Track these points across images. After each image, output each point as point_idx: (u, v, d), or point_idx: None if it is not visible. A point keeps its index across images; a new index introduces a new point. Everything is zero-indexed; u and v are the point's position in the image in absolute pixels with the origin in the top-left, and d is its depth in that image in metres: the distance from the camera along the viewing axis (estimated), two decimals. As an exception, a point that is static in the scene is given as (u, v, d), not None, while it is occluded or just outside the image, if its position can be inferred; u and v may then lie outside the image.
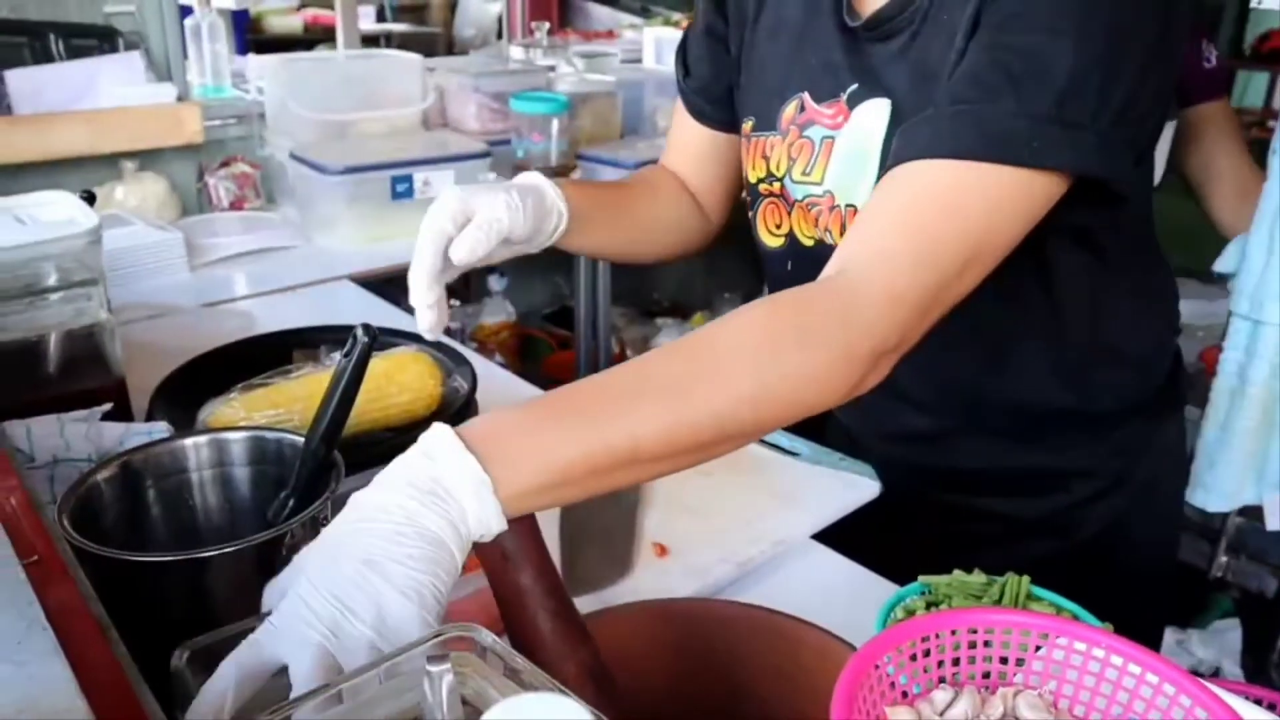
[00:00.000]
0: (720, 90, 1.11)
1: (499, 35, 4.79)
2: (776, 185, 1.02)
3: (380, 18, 6.88)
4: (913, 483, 1.11)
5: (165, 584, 0.70)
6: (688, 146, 1.17)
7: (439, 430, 0.63)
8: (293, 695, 0.53)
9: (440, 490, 0.60)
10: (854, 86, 0.92)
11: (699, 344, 0.70)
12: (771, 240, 1.06)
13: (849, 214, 0.93)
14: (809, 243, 1.01)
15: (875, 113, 0.90)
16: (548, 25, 2.93)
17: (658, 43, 2.94)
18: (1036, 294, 0.96)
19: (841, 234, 0.94)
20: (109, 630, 0.58)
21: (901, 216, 0.75)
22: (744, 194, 1.10)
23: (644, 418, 0.66)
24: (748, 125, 1.06)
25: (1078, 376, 1.02)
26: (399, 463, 0.62)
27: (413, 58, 2.37)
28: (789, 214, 1.02)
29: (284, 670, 0.57)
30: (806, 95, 0.97)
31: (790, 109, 0.99)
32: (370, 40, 5.56)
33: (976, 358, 1.00)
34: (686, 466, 0.70)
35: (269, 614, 0.59)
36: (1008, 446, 1.06)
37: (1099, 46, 0.74)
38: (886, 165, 0.80)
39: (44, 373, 1.01)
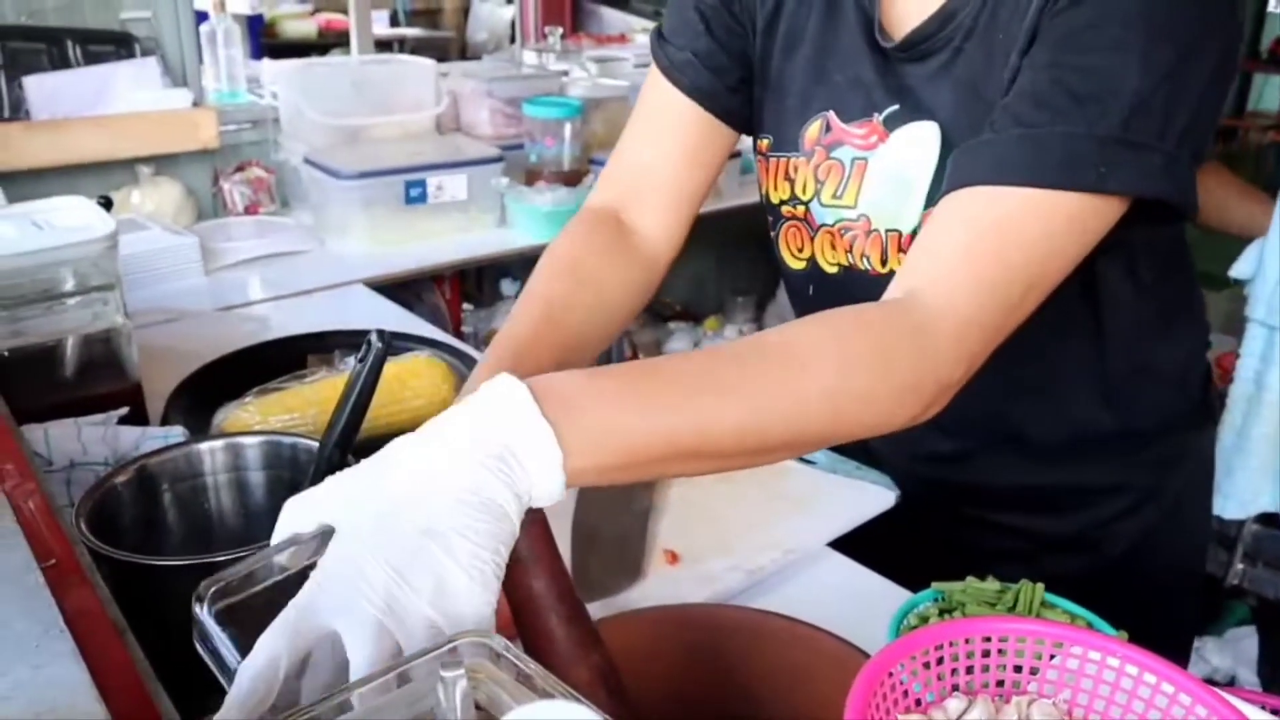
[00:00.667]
0: (731, 67, 0.98)
1: (511, 39, 4.80)
2: (801, 209, 0.98)
3: (394, 22, 6.91)
4: (932, 496, 1.09)
5: (180, 587, 0.70)
6: (676, 136, 0.99)
7: (511, 387, 0.58)
8: (352, 679, 0.49)
9: (511, 459, 0.56)
10: (893, 108, 0.89)
11: (777, 348, 0.69)
12: (794, 263, 1.02)
13: (891, 239, 0.90)
14: (832, 269, 0.97)
15: (921, 136, 0.87)
16: (561, 30, 2.93)
17: (671, 47, 2.94)
18: (1079, 313, 0.94)
19: (882, 260, 0.91)
20: (125, 633, 0.59)
21: (968, 246, 0.73)
22: (765, 213, 1.04)
23: (719, 413, 0.64)
24: (764, 143, 1.01)
25: (1117, 396, 0.99)
26: (464, 418, 0.57)
27: (426, 63, 2.38)
28: (812, 239, 0.98)
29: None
30: (832, 114, 0.93)
31: (814, 129, 0.95)
32: (383, 45, 5.59)
33: (1013, 380, 0.94)
34: (740, 468, 0.70)
35: (308, 564, 0.54)
36: (1034, 466, 1.03)
37: (1166, 65, 0.72)
38: (944, 188, 0.77)
39: (61, 377, 1.02)
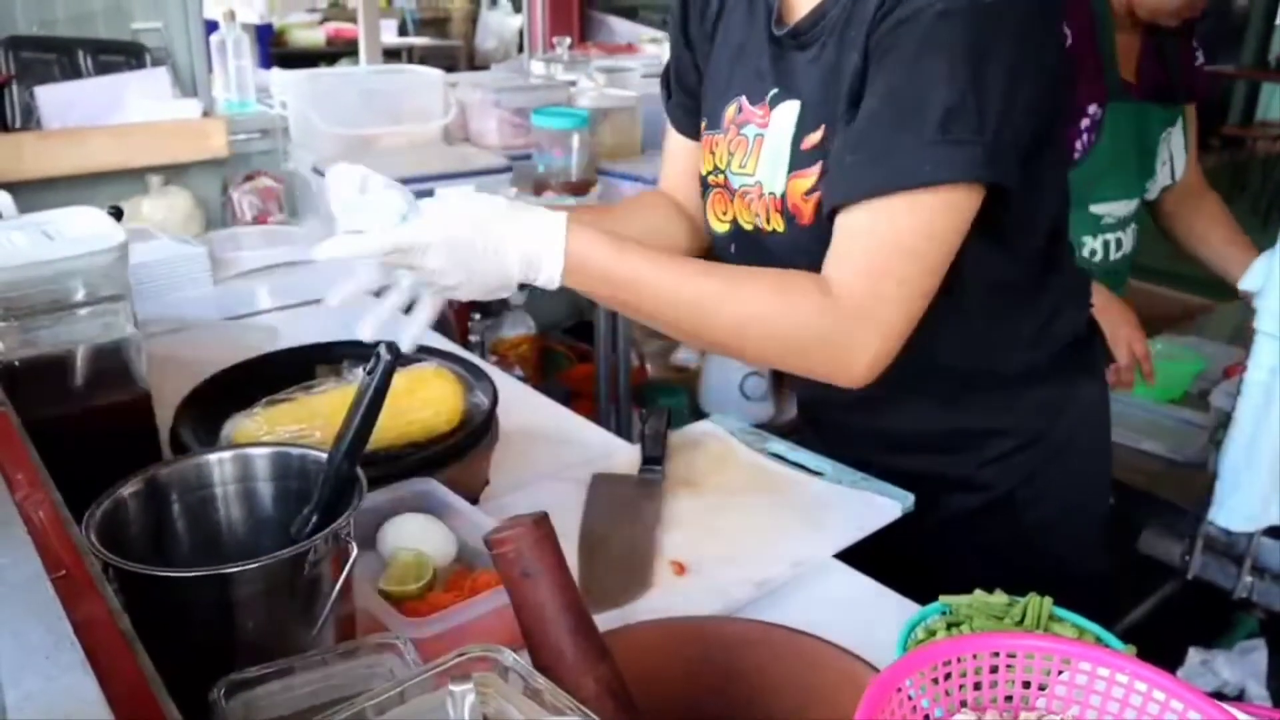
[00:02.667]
0: (697, 106, 1.21)
1: (519, 49, 4.81)
2: (721, 177, 1.13)
3: (402, 31, 6.94)
4: (844, 440, 1.24)
5: (189, 598, 0.71)
6: (678, 163, 1.28)
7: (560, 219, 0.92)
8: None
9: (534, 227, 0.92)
10: (775, 90, 1.05)
11: (731, 299, 0.93)
12: (719, 225, 1.16)
13: (771, 200, 1.06)
14: (749, 227, 1.11)
15: (788, 113, 1.03)
16: (569, 40, 2.94)
17: (678, 57, 2.94)
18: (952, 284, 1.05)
19: (769, 220, 1.07)
20: (135, 644, 0.59)
21: (865, 261, 0.92)
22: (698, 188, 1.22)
23: (675, 301, 0.94)
24: (703, 124, 1.17)
25: (990, 350, 1.12)
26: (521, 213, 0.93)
27: (434, 73, 2.39)
28: (732, 202, 1.13)
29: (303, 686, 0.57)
30: (744, 98, 1.09)
31: (731, 109, 1.11)
32: (392, 54, 5.61)
33: (936, 329, 1.06)
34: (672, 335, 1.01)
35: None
36: (931, 411, 1.16)
37: (965, 77, 0.87)
38: (827, 206, 0.95)
39: (71, 387, 1.02)
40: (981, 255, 1.01)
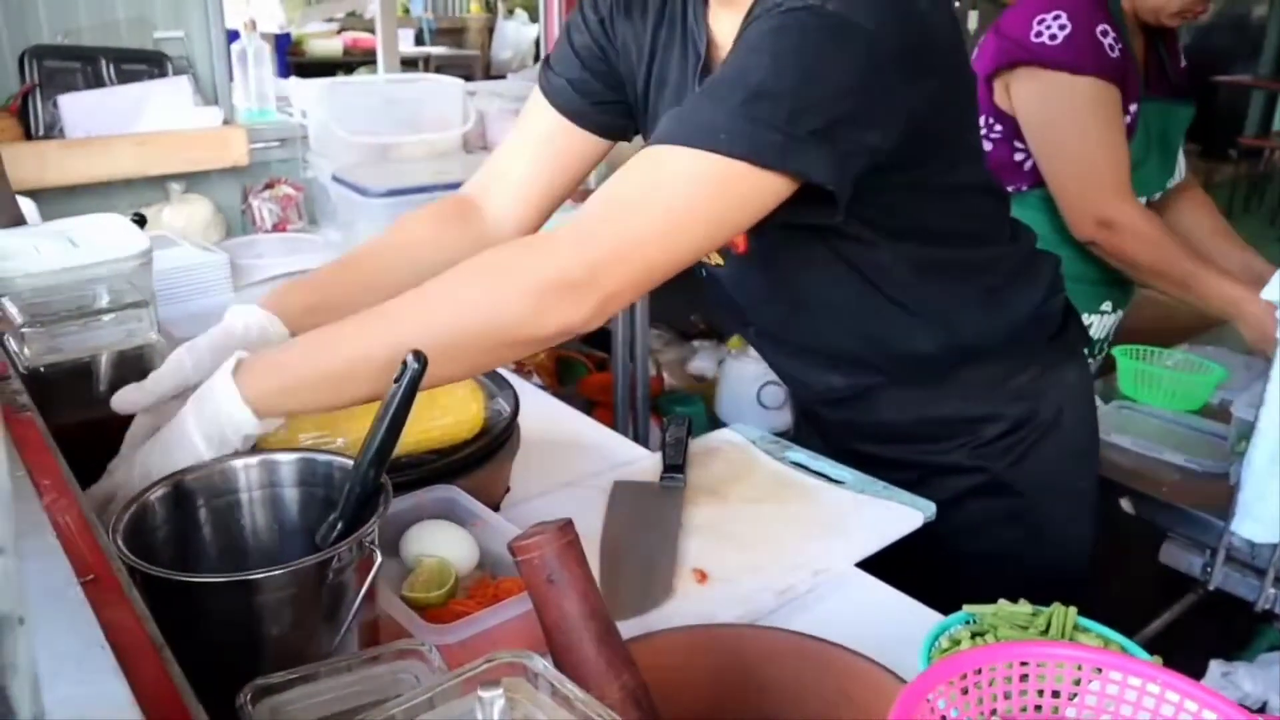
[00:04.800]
0: (601, 90, 1.20)
1: (535, 58, 4.83)
2: None
3: (419, 41, 6.98)
4: (838, 434, 1.28)
5: (215, 603, 0.71)
6: (533, 136, 1.23)
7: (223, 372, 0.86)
8: None
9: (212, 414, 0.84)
10: None
11: (412, 293, 0.87)
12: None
13: None
14: (710, 262, 1.19)
15: None
16: (586, 49, 2.95)
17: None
18: (911, 279, 1.11)
19: (711, 255, 1.13)
20: (163, 649, 0.59)
21: (607, 188, 0.90)
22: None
23: (365, 340, 0.85)
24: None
25: (942, 329, 1.15)
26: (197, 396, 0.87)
27: (454, 82, 2.40)
28: None
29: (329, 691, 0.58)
30: None
31: None
32: (409, 63, 5.64)
33: (884, 322, 1.14)
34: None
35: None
36: (920, 398, 1.19)
37: (790, 79, 0.87)
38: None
39: (95, 393, 1.02)
40: (892, 246, 1.08)
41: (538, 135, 1.23)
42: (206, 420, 0.84)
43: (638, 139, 1.22)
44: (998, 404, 1.20)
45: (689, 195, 0.88)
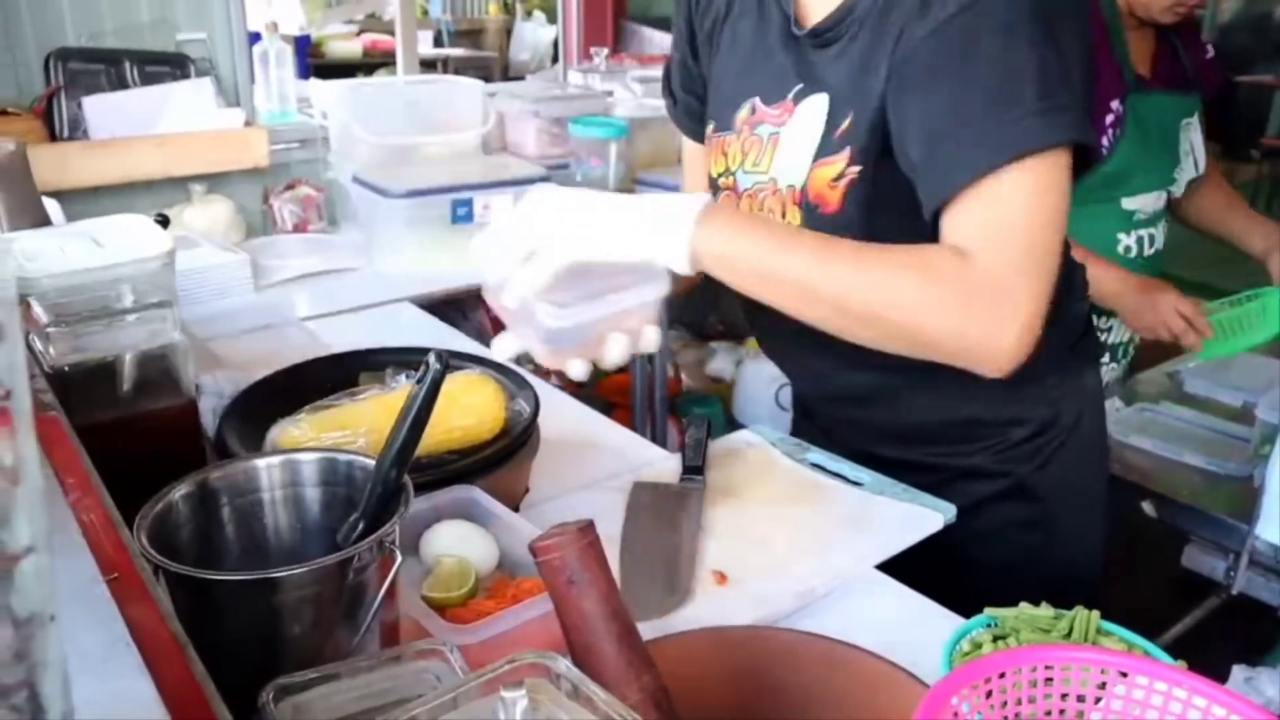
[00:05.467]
0: (703, 111, 1.26)
1: (553, 60, 4.84)
2: (730, 179, 1.17)
3: (437, 43, 7.00)
4: (857, 437, 1.25)
5: (237, 601, 0.71)
6: (698, 167, 1.31)
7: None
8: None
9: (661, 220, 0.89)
10: (799, 86, 1.08)
11: (885, 285, 0.90)
12: None
13: (789, 194, 1.08)
14: None
15: (815, 106, 1.06)
16: (606, 50, 2.95)
17: (714, 67, 2.95)
18: None
19: (783, 214, 1.09)
20: (186, 647, 0.59)
21: (995, 241, 0.90)
22: (709, 189, 1.24)
23: (807, 256, 0.91)
24: (709, 128, 1.22)
25: None
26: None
27: (474, 83, 2.41)
28: (738, 205, 1.16)
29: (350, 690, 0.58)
30: (757, 99, 1.13)
31: (744, 111, 1.15)
32: (427, 65, 5.66)
33: None
34: (816, 321, 0.95)
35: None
36: (949, 399, 1.16)
37: (1046, 41, 0.90)
38: (935, 196, 0.94)
39: (119, 393, 1.03)
40: None
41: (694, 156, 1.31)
42: (651, 205, 0.89)
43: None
44: (1023, 407, 1.19)
45: (1048, 209, 0.91)
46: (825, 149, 1.04)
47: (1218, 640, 1.94)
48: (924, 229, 1.01)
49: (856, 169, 1.01)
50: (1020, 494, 1.20)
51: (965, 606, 0.91)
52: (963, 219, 0.92)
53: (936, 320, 0.90)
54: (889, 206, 1.04)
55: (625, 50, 3.95)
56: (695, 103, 1.27)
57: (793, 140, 1.08)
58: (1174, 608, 2.00)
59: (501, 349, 0.97)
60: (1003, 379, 1.14)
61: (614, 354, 0.93)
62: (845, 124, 1.02)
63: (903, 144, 0.97)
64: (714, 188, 1.20)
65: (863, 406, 1.23)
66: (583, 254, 0.88)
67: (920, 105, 0.95)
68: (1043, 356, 1.17)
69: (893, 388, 1.19)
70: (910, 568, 1.05)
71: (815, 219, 1.05)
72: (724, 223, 0.90)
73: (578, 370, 0.94)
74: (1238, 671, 1.84)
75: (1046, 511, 1.21)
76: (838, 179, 1.02)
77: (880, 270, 0.90)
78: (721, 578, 1.00)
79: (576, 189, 0.91)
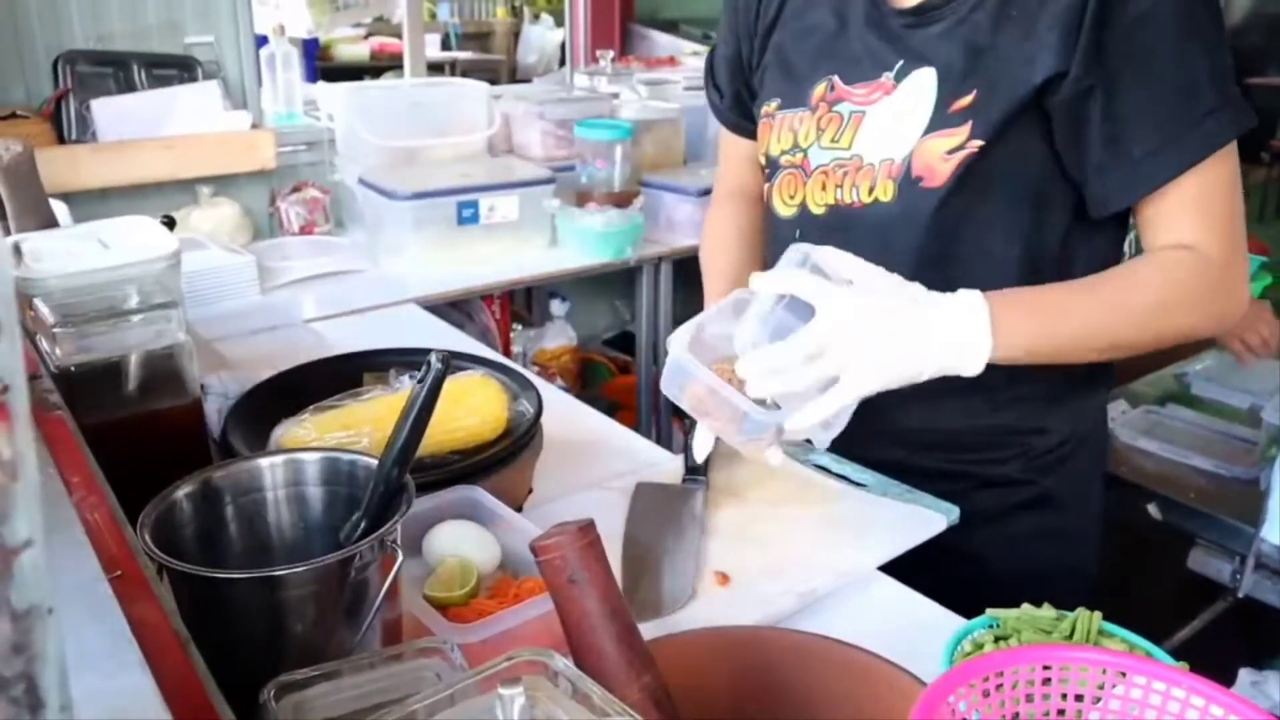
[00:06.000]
0: (750, 101, 1.27)
1: (560, 63, 4.85)
2: (799, 156, 1.16)
3: (445, 46, 7.01)
4: (881, 441, 1.20)
5: (240, 599, 0.72)
6: (740, 163, 1.34)
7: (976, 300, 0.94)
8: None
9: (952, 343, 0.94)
10: (900, 64, 1.08)
11: (1126, 289, 1.01)
12: (785, 210, 1.19)
13: (883, 168, 1.08)
14: (819, 210, 1.15)
15: (922, 82, 1.06)
16: (612, 53, 2.96)
17: (720, 70, 2.95)
18: (1059, 273, 1.08)
19: (870, 190, 1.09)
20: (189, 644, 0.60)
21: (1211, 225, 1.00)
22: (764, 169, 1.23)
23: (1086, 333, 1.01)
24: (771, 106, 1.20)
25: None
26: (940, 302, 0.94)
27: (480, 86, 2.41)
28: (805, 184, 1.16)
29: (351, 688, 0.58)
30: (837, 78, 1.14)
31: (820, 88, 1.15)
32: (435, 68, 5.67)
33: None
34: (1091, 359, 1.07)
35: None
36: (980, 405, 1.16)
37: (1215, 36, 0.98)
38: (1134, 194, 1.02)
39: (125, 393, 1.04)
40: (1085, 235, 1.09)
41: (754, 166, 1.31)
42: (953, 337, 0.93)
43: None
44: (1052, 416, 1.18)
45: (1237, 191, 1.01)
46: (939, 122, 1.04)
47: (1224, 643, 1.94)
48: (1018, 208, 1.06)
49: (978, 143, 1.02)
50: (1043, 503, 1.20)
51: (971, 611, 0.90)
52: (1175, 215, 1.00)
53: (1195, 320, 1.03)
54: (998, 183, 1.06)
55: (632, 53, 3.96)
56: (745, 94, 1.28)
57: (891, 115, 1.08)
58: (1180, 611, 1.99)
59: (701, 448, 1.03)
60: (1036, 387, 1.15)
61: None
62: (967, 99, 1.03)
63: (1076, 134, 1.01)
64: (773, 166, 1.20)
65: (895, 412, 1.16)
66: (883, 385, 0.91)
67: (1106, 99, 0.98)
68: (1081, 367, 1.15)
69: (932, 391, 1.12)
70: (916, 571, 1.05)
71: (913, 192, 1.06)
72: (1011, 323, 0.94)
73: (777, 458, 0.96)
74: (1244, 675, 1.84)
75: (1062, 519, 1.21)
76: (953, 151, 1.03)
77: (1138, 299, 1.00)
78: (724, 578, 1.00)
79: (858, 297, 0.90)
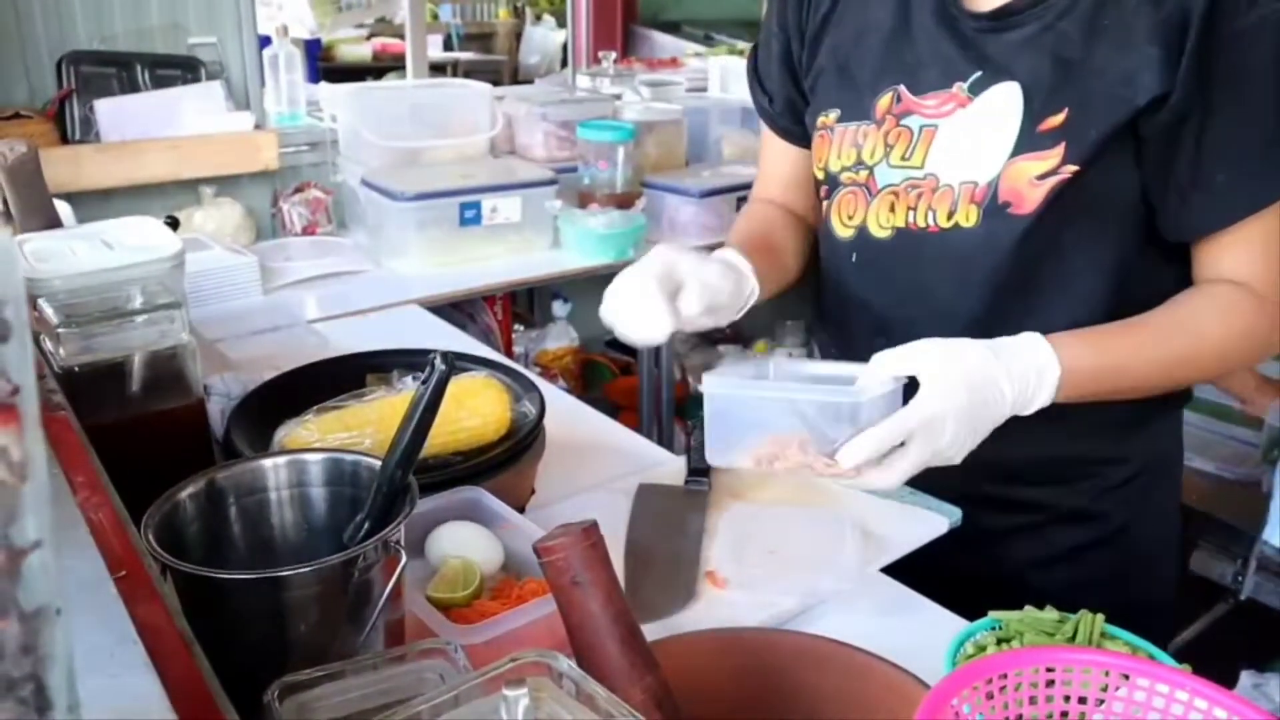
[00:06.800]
0: (803, 106, 1.18)
1: (563, 64, 4.85)
2: (864, 174, 1.08)
3: (447, 46, 7.01)
4: (954, 476, 1.10)
5: (243, 600, 0.72)
6: (783, 170, 1.25)
7: (1044, 349, 0.93)
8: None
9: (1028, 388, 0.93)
10: (977, 74, 1.00)
11: (1190, 344, 1.00)
12: (843, 231, 1.12)
13: (964, 191, 1.01)
14: (882, 234, 1.07)
15: (1005, 96, 0.98)
16: (614, 54, 2.96)
17: (722, 71, 2.96)
18: (1112, 305, 1.03)
19: (949, 215, 1.02)
20: (193, 645, 0.60)
21: (1267, 263, 0.97)
22: (821, 185, 1.15)
23: (1149, 372, 1.00)
24: (829, 117, 1.11)
25: None
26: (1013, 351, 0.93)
27: (482, 87, 2.41)
28: (868, 203, 1.08)
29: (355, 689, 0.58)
30: (903, 87, 1.05)
31: (885, 100, 1.06)
32: (437, 69, 5.67)
33: None
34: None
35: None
36: (1057, 435, 1.06)
37: None
38: (1209, 222, 0.98)
39: (128, 393, 1.04)
40: (1150, 269, 1.03)
41: (797, 173, 1.26)
42: (1022, 389, 0.92)
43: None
44: (1129, 445, 1.13)
45: None
46: (1027, 144, 0.96)
47: (1226, 645, 1.94)
48: (1104, 234, 1.01)
49: (1072, 168, 0.95)
50: (1116, 541, 1.14)
51: (977, 614, 0.89)
52: (1236, 249, 0.98)
53: (1248, 362, 1.09)
54: (1090, 213, 0.99)
55: (634, 54, 3.96)
56: (798, 98, 1.18)
57: (969, 131, 1.00)
58: (1182, 613, 1.99)
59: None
60: (1116, 415, 1.08)
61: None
62: (1058, 119, 0.95)
63: (1166, 156, 0.96)
64: (832, 182, 1.12)
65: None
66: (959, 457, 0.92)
67: (1201, 123, 0.94)
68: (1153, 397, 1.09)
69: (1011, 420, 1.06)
70: (925, 574, 1.04)
71: (999, 219, 0.98)
72: (1075, 381, 0.94)
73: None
74: (1246, 676, 1.84)
75: (1134, 555, 1.16)
76: (1044, 175, 0.96)
77: (1206, 349, 1.00)
78: (726, 580, 1.00)
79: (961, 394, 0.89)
